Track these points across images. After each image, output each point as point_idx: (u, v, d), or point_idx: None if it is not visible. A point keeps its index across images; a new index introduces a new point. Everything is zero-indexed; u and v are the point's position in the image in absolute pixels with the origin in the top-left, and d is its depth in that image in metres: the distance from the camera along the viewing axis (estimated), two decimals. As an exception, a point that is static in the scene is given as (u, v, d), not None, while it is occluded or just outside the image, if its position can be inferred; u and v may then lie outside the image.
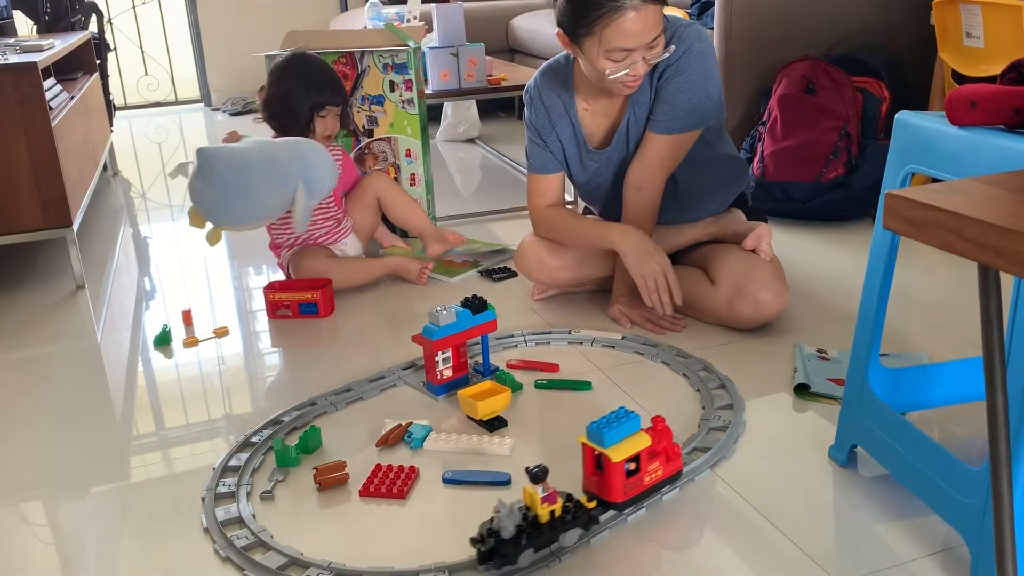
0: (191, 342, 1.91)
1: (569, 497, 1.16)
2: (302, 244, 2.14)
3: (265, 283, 2.10)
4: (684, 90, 1.75)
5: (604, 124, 1.87)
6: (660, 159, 1.80)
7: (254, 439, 1.46)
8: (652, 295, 1.76)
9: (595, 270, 1.94)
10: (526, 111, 1.91)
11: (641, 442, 1.21)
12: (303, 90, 2.11)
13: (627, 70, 1.65)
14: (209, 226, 1.90)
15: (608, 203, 1.95)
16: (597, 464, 1.21)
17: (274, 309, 2.01)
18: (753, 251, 1.79)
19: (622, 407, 1.24)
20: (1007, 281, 0.92)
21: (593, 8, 1.59)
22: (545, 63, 1.90)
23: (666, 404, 1.53)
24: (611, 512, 1.21)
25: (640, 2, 1.57)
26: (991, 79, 1.05)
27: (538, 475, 1.10)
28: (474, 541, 1.11)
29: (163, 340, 1.91)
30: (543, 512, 1.11)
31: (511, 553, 1.09)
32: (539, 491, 1.11)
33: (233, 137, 1.99)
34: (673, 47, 1.69)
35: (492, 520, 1.11)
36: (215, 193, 1.85)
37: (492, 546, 1.09)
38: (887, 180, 1.16)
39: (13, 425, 1.60)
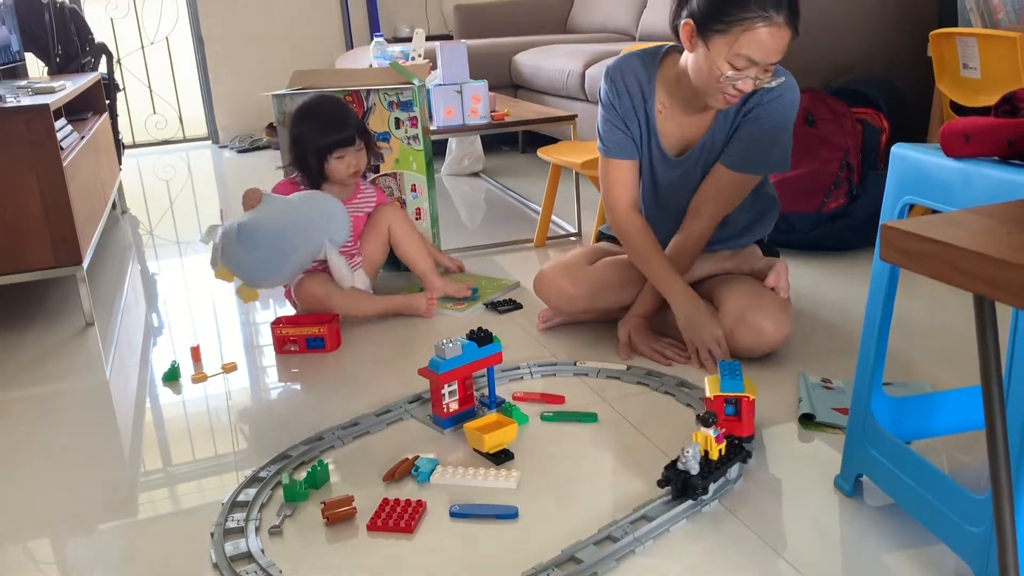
0: (199, 378, 1.92)
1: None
2: (312, 270, 2.16)
3: (272, 318, 2.12)
4: (766, 134, 1.76)
5: (673, 134, 1.85)
6: (724, 191, 1.82)
7: (262, 474, 1.47)
8: (703, 361, 1.78)
9: (609, 302, 1.95)
10: (605, 90, 1.85)
11: (750, 381, 1.47)
12: (309, 137, 2.15)
13: (738, 82, 1.64)
14: (238, 281, 2.02)
15: (646, 217, 1.93)
16: (726, 410, 1.44)
17: (281, 344, 2.03)
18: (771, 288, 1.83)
19: (721, 361, 1.51)
20: (1006, 310, 0.93)
21: (741, 8, 1.57)
22: (632, 51, 1.86)
23: (672, 434, 1.54)
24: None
25: (784, 22, 1.58)
26: (989, 109, 1.07)
27: (708, 420, 1.33)
28: (662, 483, 1.33)
29: (172, 376, 1.93)
30: (714, 451, 1.33)
31: (700, 486, 1.29)
32: (711, 432, 1.33)
33: (254, 195, 2.03)
34: (783, 79, 1.70)
35: (677, 461, 1.32)
36: (258, 259, 1.98)
37: (684, 481, 1.30)
38: (885, 211, 1.18)
39: (22, 462, 1.61)
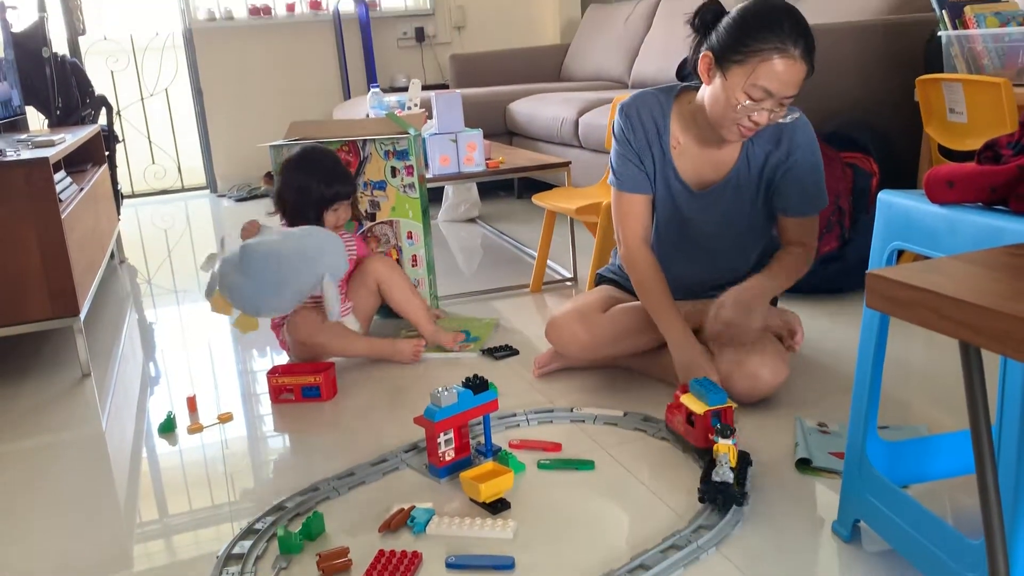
0: (195, 428, 1.92)
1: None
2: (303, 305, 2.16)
3: (268, 367, 2.12)
4: (810, 173, 1.80)
5: (688, 170, 1.86)
6: (802, 233, 1.86)
7: (257, 526, 1.46)
8: None
9: (623, 348, 1.95)
10: (619, 125, 1.88)
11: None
12: (312, 187, 2.18)
13: (754, 113, 1.67)
14: (236, 312, 1.99)
15: (666, 246, 1.93)
16: (712, 422, 1.52)
17: (277, 393, 2.03)
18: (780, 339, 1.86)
19: (693, 380, 1.60)
20: (995, 355, 0.94)
21: (759, 40, 1.61)
22: (646, 88, 1.90)
23: (670, 480, 1.53)
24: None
25: (799, 56, 1.62)
26: (974, 154, 1.09)
27: (726, 431, 1.43)
28: (703, 499, 1.40)
29: (168, 427, 1.92)
30: (733, 459, 1.42)
31: (738, 494, 1.39)
32: (732, 442, 1.42)
33: (253, 227, 2.04)
34: (798, 114, 1.73)
35: (711, 475, 1.40)
36: (255, 286, 1.95)
37: (725, 492, 1.37)
38: (873, 257, 1.19)
39: (17, 515, 1.60)
